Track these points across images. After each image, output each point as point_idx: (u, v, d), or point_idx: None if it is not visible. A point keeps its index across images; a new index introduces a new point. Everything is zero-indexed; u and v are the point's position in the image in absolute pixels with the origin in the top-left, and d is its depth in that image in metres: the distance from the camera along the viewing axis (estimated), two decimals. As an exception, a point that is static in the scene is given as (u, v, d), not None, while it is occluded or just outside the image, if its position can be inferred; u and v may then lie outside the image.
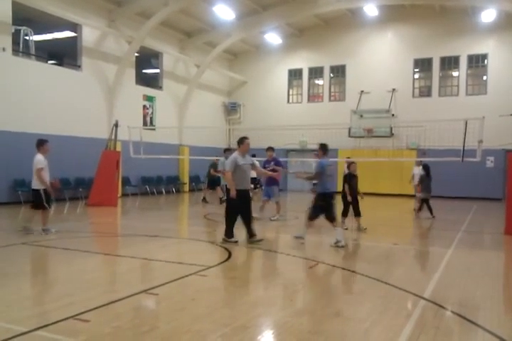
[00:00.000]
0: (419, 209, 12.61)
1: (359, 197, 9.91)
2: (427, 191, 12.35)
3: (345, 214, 9.78)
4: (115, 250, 8.06)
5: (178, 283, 5.48)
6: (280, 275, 6.25)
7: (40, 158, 8.64)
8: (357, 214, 9.82)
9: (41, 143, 8.83)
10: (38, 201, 8.71)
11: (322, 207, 7.94)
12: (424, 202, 12.43)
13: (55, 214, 13.06)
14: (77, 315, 4.16)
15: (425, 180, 12.37)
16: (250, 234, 8.12)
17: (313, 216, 8.09)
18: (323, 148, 8.26)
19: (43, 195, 8.66)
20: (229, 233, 8.07)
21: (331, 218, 7.98)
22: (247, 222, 8.12)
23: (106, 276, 6.12)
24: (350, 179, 9.72)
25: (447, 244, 8.35)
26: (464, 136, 10.53)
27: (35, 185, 8.69)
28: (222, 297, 5.12)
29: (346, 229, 9.46)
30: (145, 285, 5.32)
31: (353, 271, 6.26)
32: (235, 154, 8.16)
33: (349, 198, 9.69)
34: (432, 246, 8.49)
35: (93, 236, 9.62)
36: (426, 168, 12.51)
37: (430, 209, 12.41)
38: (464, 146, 10.57)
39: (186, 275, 5.73)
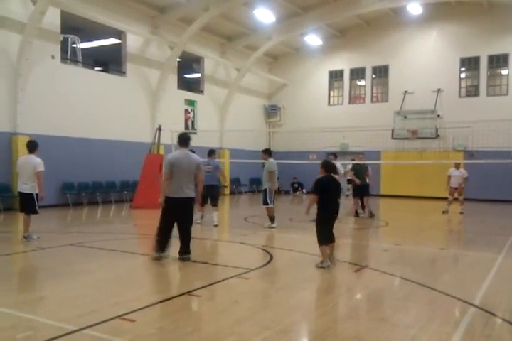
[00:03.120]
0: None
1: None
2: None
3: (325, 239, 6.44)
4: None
5: (220, 285, 5.51)
6: (323, 279, 6.15)
7: (41, 161, 8.11)
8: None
9: (37, 146, 8.30)
10: (31, 205, 8.18)
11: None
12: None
13: (102, 216, 13.46)
14: (123, 314, 4.26)
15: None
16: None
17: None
18: None
19: (36, 199, 8.19)
20: None
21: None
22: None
23: (150, 277, 6.23)
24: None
25: (498, 250, 8.00)
26: (515, 137, 10.10)
27: (28, 188, 8.11)
28: (264, 300, 5.11)
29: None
30: (188, 287, 5.39)
31: (399, 276, 6.10)
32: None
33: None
34: (481, 251, 8.16)
35: (138, 237, 9.86)
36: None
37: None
38: (514, 147, 10.15)
39: (228, 278, 5.76)
